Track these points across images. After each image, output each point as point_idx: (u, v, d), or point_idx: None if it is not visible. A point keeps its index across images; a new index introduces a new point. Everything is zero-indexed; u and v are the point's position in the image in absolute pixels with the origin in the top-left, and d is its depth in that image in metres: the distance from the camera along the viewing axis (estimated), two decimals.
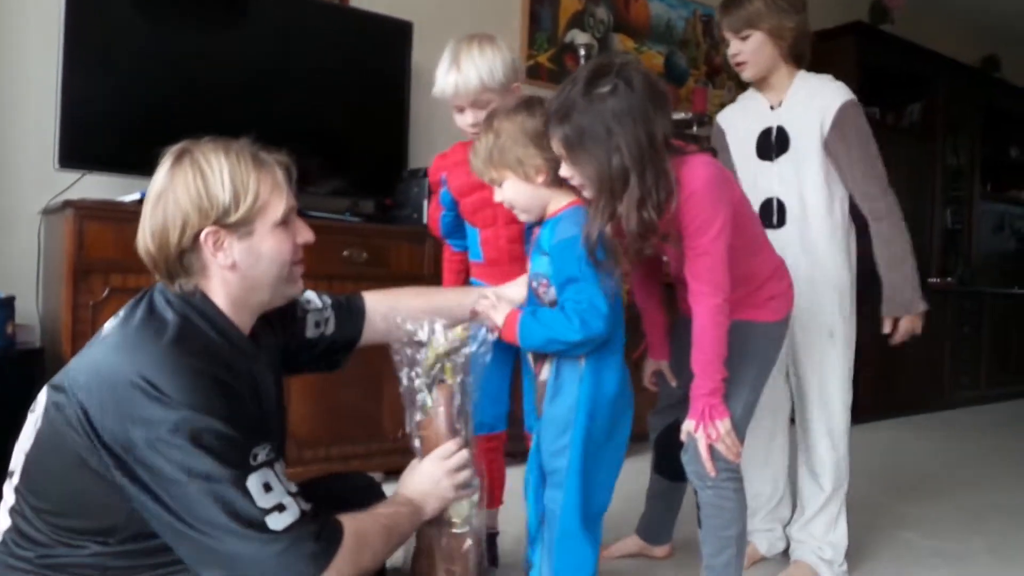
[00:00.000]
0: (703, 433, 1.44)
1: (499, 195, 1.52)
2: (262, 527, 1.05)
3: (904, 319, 1.91)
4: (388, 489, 1.65)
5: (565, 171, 1.41)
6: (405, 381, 1.41)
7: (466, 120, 1.73)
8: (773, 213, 1.95)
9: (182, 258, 1.16)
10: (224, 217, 1.15)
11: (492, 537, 1.95)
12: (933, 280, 5.03)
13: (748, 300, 1.56)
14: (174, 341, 1.11)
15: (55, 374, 1.17)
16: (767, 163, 1.97)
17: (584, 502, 1.47)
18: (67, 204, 2.14)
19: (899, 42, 4.69)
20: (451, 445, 1.38)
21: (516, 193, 1.49)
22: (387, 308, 1.52)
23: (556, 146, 1.39)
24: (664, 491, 2.02)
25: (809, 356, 1.97)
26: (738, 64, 1.96)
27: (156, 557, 1.12)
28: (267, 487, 1.08)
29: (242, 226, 1.16)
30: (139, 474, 1.05)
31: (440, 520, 1.43)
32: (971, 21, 5.88)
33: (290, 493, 1.11)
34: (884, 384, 4.53)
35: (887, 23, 4.76)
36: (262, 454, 1.10)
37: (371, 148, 2.99)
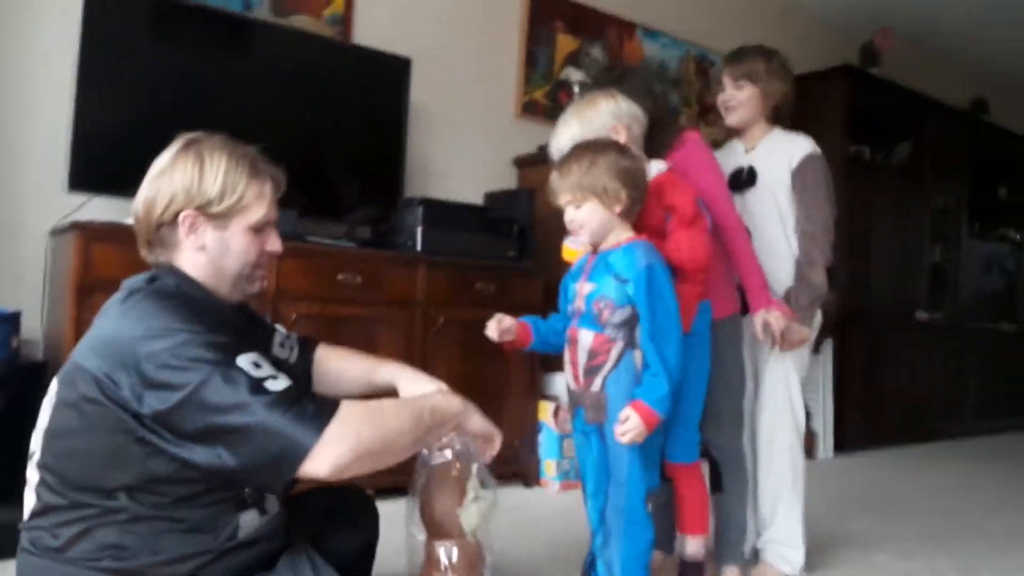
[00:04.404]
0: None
1: (570, 215, 1.69)
2: (262, 390, 1.12)
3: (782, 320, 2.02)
4: (380, 505, 1.72)
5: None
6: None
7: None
8: None
9: (159, 230, 1.28)
10: (207, 206, 1.26)
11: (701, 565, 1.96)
12: (921, 316, 5.12)
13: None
14: (155, 292, 1.22)
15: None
16: (737, 195, 2.19)
17: (645, 491, 1.68)
18: (74, 225, 2.24)
19: (888, 84, 4.81)
20: None
21: (592, 217, 1.68)
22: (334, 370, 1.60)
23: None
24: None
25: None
26: (727, 108, 2.23)
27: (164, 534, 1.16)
28: (256, 364, 1.16)
29: (220, 218, 1.28)
30: (158, 397, 1.11)
31: (446, 530, 1.49)
32: (960, 64, 6.03)
33: (278, 371, 1.18)
34: (869, 417, 4.60)
35: (877, 66, 4.90)
36: (248, 350, 1.19)
37: (369, 178, 3.10)
